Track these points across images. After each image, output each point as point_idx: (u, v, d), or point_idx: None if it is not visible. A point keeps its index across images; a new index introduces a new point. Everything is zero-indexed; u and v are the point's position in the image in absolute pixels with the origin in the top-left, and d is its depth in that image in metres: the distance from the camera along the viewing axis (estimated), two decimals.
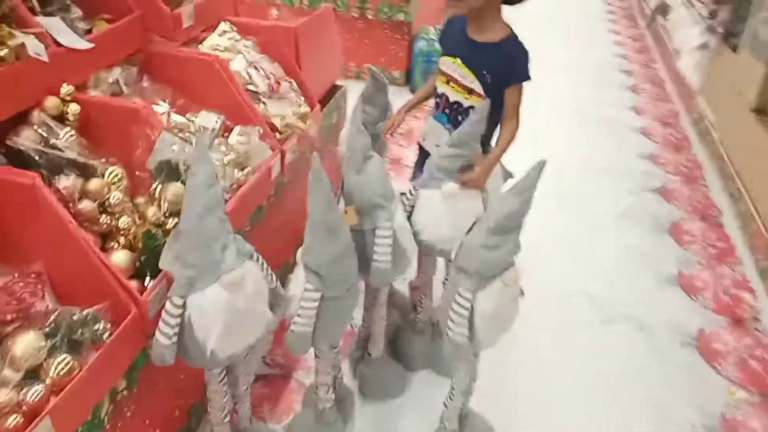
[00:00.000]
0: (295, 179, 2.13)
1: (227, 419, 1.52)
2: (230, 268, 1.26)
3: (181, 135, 1.66)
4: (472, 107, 1.72)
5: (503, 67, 1.66)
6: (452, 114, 1.81)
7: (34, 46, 1.34)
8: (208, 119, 1.77)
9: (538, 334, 2.14)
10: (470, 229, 1.38)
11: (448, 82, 1.79)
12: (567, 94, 4.20)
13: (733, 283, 2.52)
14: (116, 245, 1.39)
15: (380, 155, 1.77)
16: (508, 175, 2.27)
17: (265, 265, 1.39)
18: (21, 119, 1.41)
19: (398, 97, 1.94)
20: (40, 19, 1.46)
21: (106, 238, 1.39)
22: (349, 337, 2.04)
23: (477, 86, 1.70)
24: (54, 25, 1.47)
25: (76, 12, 1.66)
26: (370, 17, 3.82)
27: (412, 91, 3.99)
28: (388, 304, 2.15)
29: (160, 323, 1.26)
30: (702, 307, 2.38)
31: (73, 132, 1.43)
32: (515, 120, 1.71)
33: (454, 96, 1.80)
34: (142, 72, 1.79)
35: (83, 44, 1.50)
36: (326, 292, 1.42)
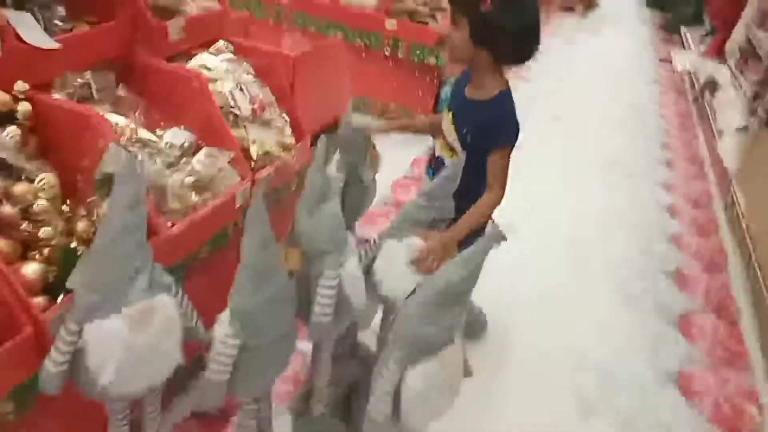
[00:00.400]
0: (274, 209, 2.03)
1: None
2: (137, 300, 1.16)
3: (145, 149, 1.60)
4: None
5: (484, 129, 1.54)
6: (437, 169, 1.70)
7: None
8: (179, 136, 1.69)
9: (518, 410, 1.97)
10: (411, 293, 1.24)
11: (439, 136, 1.70)
12: (599, 158, 4.03)
13: (737, 391, 2.28)
14: (38, 256, 1.30)
15: (373, 169, 1.72)
16: (499, 237, 2.13)
17: (185, 301, 1.27)
18: None
19: (421, 142, 1.89)
20: (7, 12, 1.41)
21: (29, 247, 1.31)
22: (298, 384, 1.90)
23: (457, 145, 1.58)
24: (20, 19, 1.42)
25: (59, 11, 1.62)
26: (400, 56, 3.75)
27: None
28: (350, 356, 2.01)
29: (52, 347, 1.15)
30: (697, 413, 2.15)
31: (17, 132, 1.37)
32: (495, 191, 1.57)
33: (438, 151, 1.70)
34: (120, 80, 1.73)
35: (48, 44, 1.44)
36: (249, 341, 1.29)
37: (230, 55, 1.97)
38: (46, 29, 1.55)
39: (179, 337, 1.25)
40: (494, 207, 1.58)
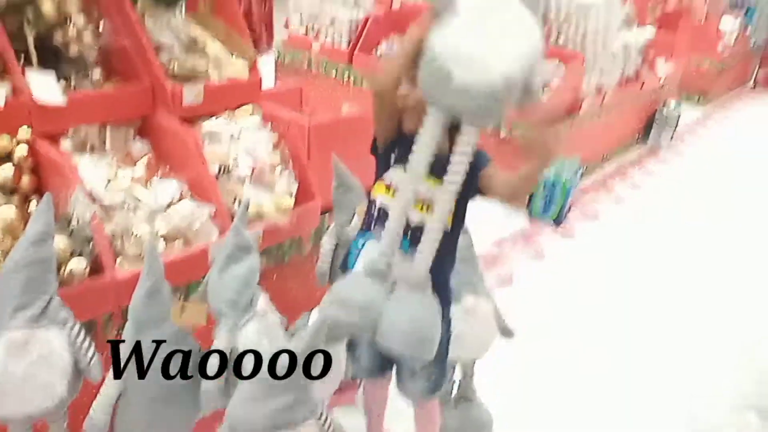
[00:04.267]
0: (279, 269, 2.09)
1: None
2: (20, 329, 1.26)
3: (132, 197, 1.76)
4: None
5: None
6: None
7: None
8: (168, 187, 1.84)
9: None
10: None
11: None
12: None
13: None
14: None
15: None
16: (507, 331, 1.94)
17: (81, 338, 1.35)
18: None
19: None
20: (28, 72, 1.68)
21: None
22: None
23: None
24: (39, 79, 1.68)
25: (95, 73, 1.89)
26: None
27: (531, 214, 3.69)
28: None
29: None
30: None
31: (10, 170, 1.61)
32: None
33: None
34: (137, 134, 1.95)
35: (55, 101, 1.68)
36: (130, 388, 1.33)
37: (253, 119, 2.11)
38: (75, 87, 1.83)
39: (65, 372, 1.33)
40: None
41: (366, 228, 1.52)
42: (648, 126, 5.25)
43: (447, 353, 1.56)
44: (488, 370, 2.02)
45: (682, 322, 2.93)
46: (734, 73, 7.58)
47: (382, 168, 1.49)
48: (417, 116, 1.33)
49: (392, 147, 1.47)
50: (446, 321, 1.49)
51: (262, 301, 1.46)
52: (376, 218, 1.47)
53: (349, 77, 4.40)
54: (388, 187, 1.46)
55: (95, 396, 1.38)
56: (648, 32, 4.85)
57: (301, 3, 4.65)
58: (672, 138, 5.32)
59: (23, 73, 1.67)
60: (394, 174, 1.46)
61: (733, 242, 3.83)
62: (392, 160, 1.46)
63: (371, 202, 1.51)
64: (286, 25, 4.85)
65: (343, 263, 1.62)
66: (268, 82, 4.70)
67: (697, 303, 3.10)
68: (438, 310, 1.35)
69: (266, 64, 5.12)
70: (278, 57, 4.87)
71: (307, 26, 4.66)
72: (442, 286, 1.47)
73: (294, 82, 2.63)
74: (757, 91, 8.24)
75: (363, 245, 1.48)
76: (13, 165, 1.63)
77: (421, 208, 1.39)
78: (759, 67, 8.28)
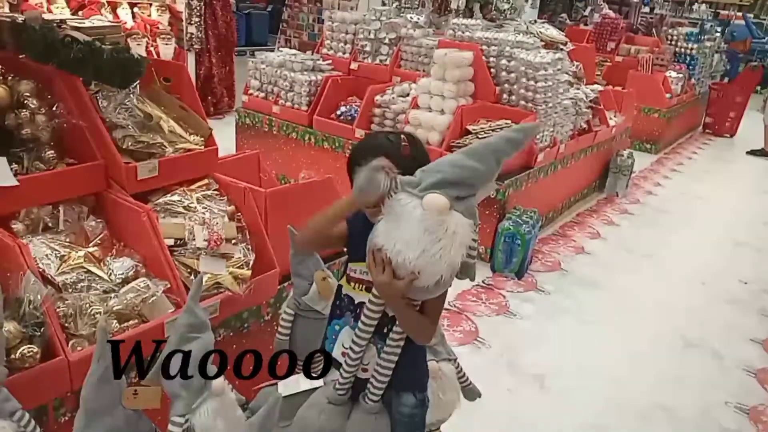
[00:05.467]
0: (238, 339, 2.08)
1: None
2: None
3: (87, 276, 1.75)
4: None
5: None
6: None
7: None
8: (123, 265, 1.84)
9: None
10: None
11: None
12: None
13: None
14: None
15: (324, 298, 1.77)
16: (472, 393, 1.96)
17: (30, 427, 1.32)
18: None
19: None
20: None
21: None
22: None
23: None
24: None
25: (48, 153, 1.90)
26: None
27: (493, 268, 3.75)
28: None
29: None
30: None
31: None
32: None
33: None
34: (91, 212, 1.95)
35: (6, 182, 1.69)
36: None
37: (209, 191, 2.13)
38: (27, 169, 1.83)
39: None
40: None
41: (340, 314, 1.57)
42: (603, 175, 5.43)
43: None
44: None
45: (645, 368, 2.97)
46: (683, 120, 7.93)
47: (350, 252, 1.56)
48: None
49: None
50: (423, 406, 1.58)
51: (218, 379, 1.45)
52: (345, 305, 1.55)
53: (309, 139, 4.48)
54: (349, 282, 1.54)
55: None
56: (596, 87, 5.09)
57: (261, 68, 4.76)
58: (627, 186, 5.51)
59: None
60: (356, 267, 1.53)
61: (693, 283, 3.94)
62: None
63: (339, 288, 1.59)
64: (246, 91, 4.94)
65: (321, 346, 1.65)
66: (229, 144, 4.77)
67: (663, 350, 3.16)
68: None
69: (228, 125, 5.20)
70: (238, 119, 4.94)
71: (266, 90, 4.76)
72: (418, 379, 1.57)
73: (251, 149, 2.67)
74: (706, 134, 8.65)
75: (339, 331, 1.56)
76: None
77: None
78: (705, 114, 8.71)
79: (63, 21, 2.09)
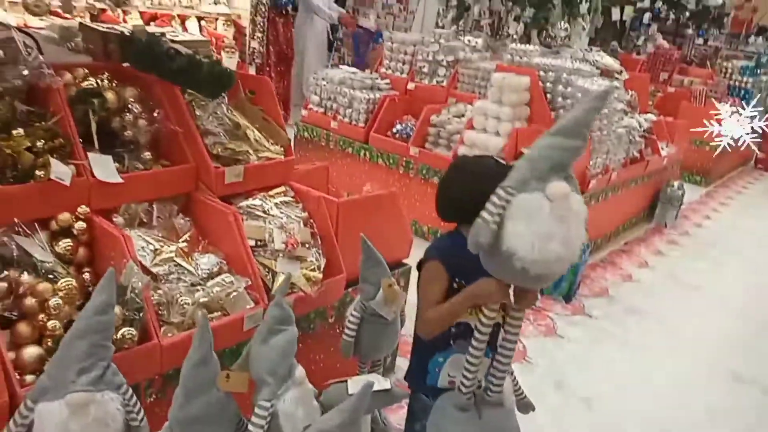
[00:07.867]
0: (306, 338, 2.20)
1: None
2: (81, 391, 1.37)
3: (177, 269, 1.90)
4: None
5: None
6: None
7: (59, 173, 1.72)
8: (209, 261, 1.98)
9: None
10: None
11: None
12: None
13: None
14: (50, 343, 1.61)
15: (389, 306, 1.91)
16: (527, 407, 2.02)
17: (133, 401, 1.46)
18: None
19: None
20: (91, 155, 1.86)
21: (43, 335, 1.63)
22: None
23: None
24: (99, 160, 1.86)
25: (145, 155, 2.07)
26: None
27: (542, 291, 3.80)
28: None
29: (13, 416, 1.40)
30: None
31: (69, 243, 1.76)
32: None
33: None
34: (180, 211, 2.11)
35: (112, 179, 1.85)
36: None
37: (286, 198, 2.27)
38: (127, 168, 2.00)
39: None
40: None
41: (445, 346, 1.71)
42: (653, 205, 5.42)
43: None
44: None
45: (693, 400, 2.98)
46: (735, 154, 7.83)
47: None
48: None
49: None
50: None
51: (300, 370, 1.57)
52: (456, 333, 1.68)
53: (364, 154, 4.62)
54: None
55: None
56: (650, 116, 5.11)
57: (322, 84, 4.94)
58: (677, 217, 5.48)
59: (86, 156, 1.84)
60: None
61: (743, 317, 3.91)
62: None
63: None
64: (305, 106, 5.13)
65: (421, 383, 1.78)
66: None
67: (711, 383, 3.16)
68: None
69: None
70: (297, 132, 5.12)
71: (326, 105, 4.94)
72: None
73: (320, 162, 2.82)
74: (758, 170, 8.50)
75: (443, 363, 1.70)
76: (72, 239, 1.78)
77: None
78: (759, 149, 8.55)
79: (163, 34, 2.28)
